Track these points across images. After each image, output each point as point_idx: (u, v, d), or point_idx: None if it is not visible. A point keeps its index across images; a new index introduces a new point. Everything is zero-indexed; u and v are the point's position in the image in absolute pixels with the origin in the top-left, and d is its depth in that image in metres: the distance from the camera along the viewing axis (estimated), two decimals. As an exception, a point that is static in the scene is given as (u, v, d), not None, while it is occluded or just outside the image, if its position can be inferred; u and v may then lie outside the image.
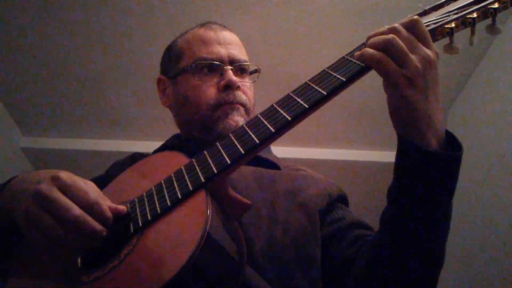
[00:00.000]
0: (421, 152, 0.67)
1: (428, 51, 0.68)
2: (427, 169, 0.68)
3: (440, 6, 0.76)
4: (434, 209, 0.71)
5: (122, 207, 0.75)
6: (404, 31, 0.68)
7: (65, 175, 0.71)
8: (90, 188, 0.72)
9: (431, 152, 0.66)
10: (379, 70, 0.68)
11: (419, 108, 0.66)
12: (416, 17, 0.70)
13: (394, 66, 0.66)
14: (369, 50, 0.68)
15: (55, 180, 0.70)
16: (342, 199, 0.99)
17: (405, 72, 0.66)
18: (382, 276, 0.77)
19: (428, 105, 0.67)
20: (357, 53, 0.71)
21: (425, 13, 0.77)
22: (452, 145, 0.70)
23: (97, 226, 0.69)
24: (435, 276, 0.76)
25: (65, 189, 0.70)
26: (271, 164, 1.02)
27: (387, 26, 0.70)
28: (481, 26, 0.71)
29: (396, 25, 0.70)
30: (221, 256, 0.67)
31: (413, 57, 0.67)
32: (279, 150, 1.37)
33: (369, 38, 0.72)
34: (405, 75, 0.66)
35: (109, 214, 0.71)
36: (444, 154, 0.67)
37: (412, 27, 0.69)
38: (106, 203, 0.73)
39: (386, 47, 0.67)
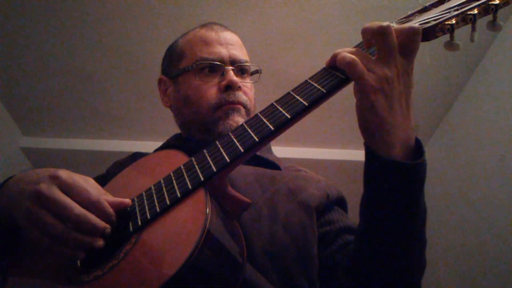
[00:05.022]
0: (379, 160, 0.67)
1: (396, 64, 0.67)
2: (383, 177, 0.68)
3: (441, 2, 0.76)
4: (398, 219, 0.70)
5: (127, 200, 0.75)
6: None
7: (64, 174, 0.71)
8: (91, 186, 0.72)
9: (388, 160, 0.66)
10: (349, 72, 0.68)
11: (383, 116, 0.66)
12: (386, 24, 0.67)
13: (363, 69, 0.66)
14: (342, 53, 0.69)
15: (55, 179, 0.70)
16: (340, 202, 0.99)
17: (373, 76, 0.66)
18: (363, 285, 0.77)
19: (392, 114, 0.66)
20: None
21: (425, 9, 0.76)
22: (421, 153, 0.69)
23: (100, 223, 0.69)
24: (417, 284, 0.76)
25: (65, 188, 0.70)
26: (272, 165, 1.02)
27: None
28: (482, 25, 0.71)
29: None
30: (221, 255, 0.67)
31: (382, 64, 0.67)
32: (279, 150, 1.36)
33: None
34: (372, 79, 0.66)
35: (111, 210, 0.71)
36: (398, 162, 0.66)
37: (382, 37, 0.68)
38: (109, 198, 0.73)
39: (357, 51, 0.68)
